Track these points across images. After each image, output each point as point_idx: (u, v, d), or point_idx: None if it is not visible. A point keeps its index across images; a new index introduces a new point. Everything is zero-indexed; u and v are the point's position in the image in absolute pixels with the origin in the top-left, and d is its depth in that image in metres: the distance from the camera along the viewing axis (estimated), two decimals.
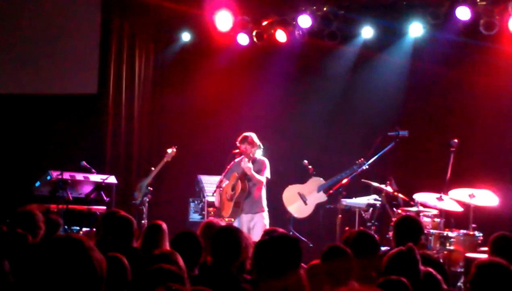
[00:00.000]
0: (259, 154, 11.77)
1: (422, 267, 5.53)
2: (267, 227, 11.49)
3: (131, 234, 7.35)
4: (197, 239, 6.43)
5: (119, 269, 5.32)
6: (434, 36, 13.57)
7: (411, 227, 7.35)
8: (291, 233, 11.42)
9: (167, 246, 7.41)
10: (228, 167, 11.96)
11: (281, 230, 5.92)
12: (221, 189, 11.94)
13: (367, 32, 14.08)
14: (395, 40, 14.11)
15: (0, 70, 14.74)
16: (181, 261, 5.30)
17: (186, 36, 15.47)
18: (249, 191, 11.68)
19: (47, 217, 7.72)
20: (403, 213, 10.74)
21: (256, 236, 10.41)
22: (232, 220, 11.68)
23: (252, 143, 11.68)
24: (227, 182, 11.87)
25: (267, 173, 11.70)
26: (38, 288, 2.63)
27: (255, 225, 11.54)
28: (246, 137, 11.74)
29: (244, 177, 11.65)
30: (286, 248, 5.02)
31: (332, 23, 14.02)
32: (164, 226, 7.70)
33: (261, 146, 11.70)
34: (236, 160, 11.92)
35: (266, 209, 11.66)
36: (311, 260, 6.75)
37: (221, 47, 14.95)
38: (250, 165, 11.60)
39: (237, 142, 11.79)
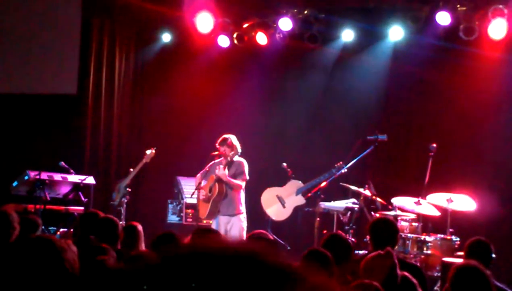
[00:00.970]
0: (237, 157, 11.74)
1: (399, 272, 5.54)
2: (245, 229, 11.50)
3: (117, 236, 7.33)
4: (177, 240, 6.43)
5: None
6: (414, 40, 13.63)
7: (386, 229, 7.36)
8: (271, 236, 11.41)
9: (142, 247, 7.41)
10: (206, 167, 11.94)
11: (266, 233, 5.92)
12: (199, 191, 11.93)
13: (347, 35, 14.12)
14: (375, 44, 14.16)
15: None
16: None
17: (166, 37, 15.43)
18: (226, 193, 11.66)
19: (25, 217, 7.68)
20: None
21: (233, 238, 10.40)
22: (210, 221, 11.67)
23: (231, 146, 11.66)
24: (205, 183, 11.86)
25: (246, 175, 11.69)
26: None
27: (232, 227, 11.53)
28: (225, 140, 11.73)
29: (221, 180, 11.64)
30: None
31: (313, 26, 14.06)
32: (140, 227, 7.69)
33: (239, 148, 11.68)
34: (216, 161, 11.91)
35: (244, 211, 11.65)
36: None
37: (202, 49, 14.94)
38: (225, 171, 11.59)
39: (217, 144, 11.78)
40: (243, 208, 11.65)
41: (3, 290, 2.61)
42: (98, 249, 6.08)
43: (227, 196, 11.64)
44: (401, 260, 6.82)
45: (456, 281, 5.26)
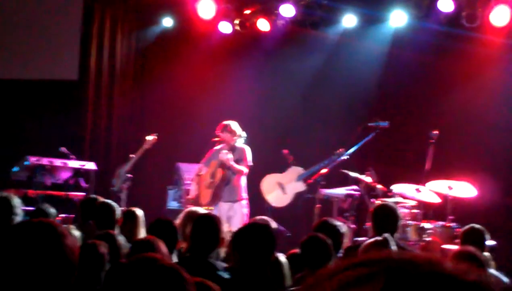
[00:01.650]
0: (240, 142, 11.77)
1: None
2: (247, 215, 11.52)
3: (114, 221, 7.34)
4: (173, 226, 6.45)
5: (96, 256, 5.32)
6: (415, 26, 13.60)
7: (388, 215, 7.37)
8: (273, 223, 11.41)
9: (143, 233, 7.42)
10: (207, 154, 11.95)
11: (268, 220, 5.91)
12: (199, 177, 11.94)
13: (349, 20, 14.09)
14: (376, 29, 14.13)
15: None
16: (163, 248, 5.28)
17: (168, 22, 15.41)
18: (229, 179, 11.67)
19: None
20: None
21: (235, 224, 10.41)
22: (211, 208, 11.67)
23: (232, 132, 11.67)
24: (206, 169, 11.86)
25: (249, 161, 11.70)
26: (7, 273, 2.60)
27: (234, 213, 11.53)
28: (226, 126, 11.73)
29: (224, 165, 11.64)
30: (257, 234, 5.04)
31: (315, 12, 14.04)
32: (140, 212, 7.70)
33: (242, 135, 11.70)
34: (216, 147, 11.91)
35: (245, 197, 11.66)
36: (289, 249, 6.77)
37: (204, 35, 14.92)
38: (229, 155, 11.60)
39: (217, 131, 11.79)
40: (245, 194, 11.66)
41: (1, 273, 2.60)
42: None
43: (230, 182, 11.65)
44: (401, 247, 6.84)
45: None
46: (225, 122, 11.79)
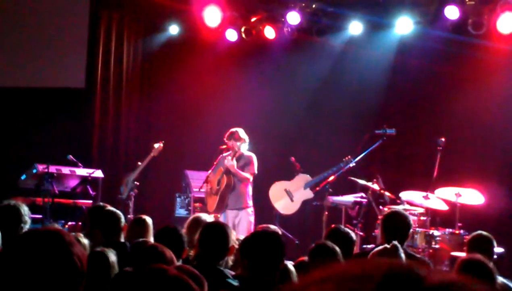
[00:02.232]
0: (245, 148, 11.77)
1: None
2: (253, 223, 11.52)
3: (119, 229, 7.34)
4: (179, 234, 6.44)
5: (103, 264, 5.32)
6: (422, 33, 13.60)
7: (399, 223, 7.34)
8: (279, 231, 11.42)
9: (151, 240, 7.41)
10: (215, 162, 11.97)
11: (275, 227, 5.91)
12: (207, 184, 11.95)
13: (355, 28, 14.09)
14: (382, 37, 14.13)
15: None
16: (168, 253, 5.28)
17: (174, 30, 15.43)
18: (234, 186, 11.68)
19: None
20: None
21: (241, 232, 10.41)
22: (218, 215, 11.67)
23: (239, 139, 11.69)
24: (213, 176, 11.88)
25: (254, 169, 11.70)
26: (15, 283, 2.60)
27: (240, 221, 11.54)
28: (233, 133, 11.76)
29: (230, 171, 11.65)
30: (266, 242, 5.04)
31: (321, 19, 14.04)
32: (149, 220, 7.70)
33: (246, 140, 11.71)
34: (224, 154, 11.93)
35: (251, 205, 11.66)
36: (297, 257, 6.76)
37: (210, 42, 14.94)
38: (233, 162, 11.63)
39: (225, 139, 11.81)
40: (250, 202, 11.67)
41: (9, 282, 2.59)
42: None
43: (235, 188, 11.66)
44: (410, 254, 6.82)
45: (460, 274, 5.26)
46: (232, 129, 11.81)
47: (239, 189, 11.67)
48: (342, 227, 7.64)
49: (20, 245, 2.65)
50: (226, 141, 11.81)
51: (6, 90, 14.69)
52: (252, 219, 11.60)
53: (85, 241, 6.37)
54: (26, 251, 2.60)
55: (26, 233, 2.82)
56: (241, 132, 11.76)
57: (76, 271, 2.62)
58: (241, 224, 11.47)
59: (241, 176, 11.63)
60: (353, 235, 7.30)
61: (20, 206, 6.89)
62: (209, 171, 12.00)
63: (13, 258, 2.61)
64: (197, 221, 7.48)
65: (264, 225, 8.56)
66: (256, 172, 11.71)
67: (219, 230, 5.97)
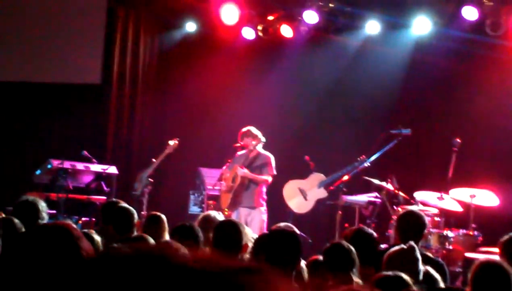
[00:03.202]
0: (260, 147, 11.79)
1: (422, 267, 5.51)
2: (265, 222, 11.53)
3: (131, 225, 7.34)
4: (195, 231, 6.43)
5: None
6: (439, 33, 13.54)
7: (414, 222, 7.30)
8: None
9: (166, 237, 7.41)
10: (230, 159, 11.99)
11: (291, 226, 5.89)
12: (222, 181, 11.97)
13: (372, 27, 14.05)
14: (399, 36, 14.08)
15: (4, 58, 14.72)
16: (183, 251, 5.26)
17: (191, 27, 15.43)
18: (248, 185, 11.69)
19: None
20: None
21: (253, 230, 10.40)
22: (230, 212, 11.68)
23: (252, 136, 11.71)
24: (229, 173, 11.90)
25: (273, 170, 11.74)
26: (23, 276, 2.60)
27: (253, 219, 11.55)
28: (245, 132, 11.79)
29: (246, 179, 11.70)
30: (284, 242, 5.02)
31: (338, 18, 14.02)
32: (163, 217, 7.70)
33: (262, 139, 11.73)
34: (239, 153, 11.94)
35: (264, 204, 11.68)
36: (310, 256, 6.75)
37: (226, 40, 14.93)
38: (245, 170, 11.70)
39: (239, 137, 11.84)
40: (263, 201, 11.68)
41: (17, 277, 2.60)
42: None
43: (249, 187, 11.68)
44: (424, 255, 6.78)
45: (477, 277, 5.24)
46: (244, 129, 11.84)
47: (253, 188, 11.69)
48: (366, 228, 7.61)
49: (29, 239, 2.65)
50: (240, 141, 11.84)
51: (22, 85, 14.74)
52: (264, 217, 11.61)
53: (98, 238, 6.37)
54: (35, 245, 2.61)
55: (35, 227, 2.83)
56: (254, 130, 11.78)
57: (84, 264, 2.61)
58: (253, 222, 11.48)
59: (259, 180, 11.70)
60: (375, 235, 7.28)
61: (38, 201, 6.92)
62: (223, 168, 12.01)
63: (22, 252, 2.62)
64: (207, 219, 7.48)
65: (282, 224, 8.54)
66: (275, 173, 11.75)
67: (233, 228, 5.96)
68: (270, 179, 11.73)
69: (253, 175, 11.69)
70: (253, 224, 11.36)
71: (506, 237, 7.46)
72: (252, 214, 11.64)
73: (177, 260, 1.29)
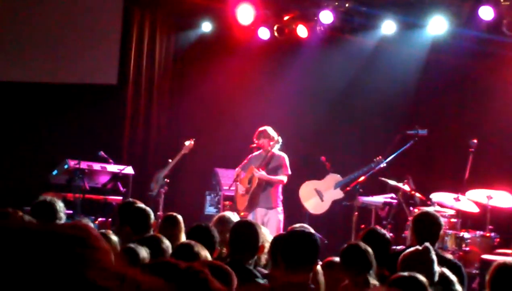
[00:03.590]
0: (277, 148, 11.79)
1: (437, 268, 5.49)
2: (282, 222, 11.53)
3: (148, 225, 7.35)
4: (211, 232, 6.43)
5: (133, 260, 5.33)
6: (455, 33, 13.49)
7: (430, 223, 7.27)
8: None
9: (183, 238, 7.42)
10: (246, 160, 12.00)
11: (308, 227, 5.88)
12: (237, 182, 11.98)
13: (388, 27, 14.01)
14: (415, 36, 14.03)
15: (21, 59, 14.77)
16: (204, 253, 5.25)
17: (207, 27, 15.44)
18: (265, 186, 11.70)
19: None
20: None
21: (270, 231, 10.40)
22: (247, 213, 11.69)
23: (268, 137, 11.73)
24: (244, 174, 11.91)
25: (288, 170, 11.74)
26: (40, 278, 2.61)
27: (269, 220, 11.55)
28: (261, 132, 11.80)
29: (262, 181, 11.72)
30: (303, 242, 5.01)
31: (354, 19, 14.01)
32: (180, 217, 7.71)
33: (280, 140, 11.74)
34: (254, 153, 11.94)
35: (281, 205, 11.69)
36: (326, 257, 6.74)
37: (242, 40, 14.94)
38: (262, 172, 11.72)
39: (254, 139, 11.84)
40: (280, 202, 11.68)
41: (33, 276, 2.60)
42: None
43: (266, 188, 11.69)
44: (442, 257, 6.76)
45: (495, 279, 5.21)
46: (261, 128, 11.84)
47: (269, 189, 11.71)
48: (379, 228, 7.60)
49: (45, 239, 2.65)
50: (255, 141, 11.84)
51: (38, 86, 14.78)
52: (281, 217, 11.62)
53: (115, 238, 6.39)
54: (52, 245, 2.61)
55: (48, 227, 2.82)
56: (270, 130, 11.79)
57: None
58: (270, 222, 11.48)
59: (275, 181, 11.73)
60: (388, 236, 7.27)
61: (56, 202, 6.93)
62: (237, 169, 12.01)
63: (37, 252, 2.62)
64: (223, 219, 7.48)
65: (297, 224, 8.54)
66: (290, 172, 11.75)
67: (249, 229, 5.96)
68: (285, 179, 11.74)
69: (269, 177, 11.71)
70: (270, 224, 11.36)
71: None
72: (268, 214, 11.65)
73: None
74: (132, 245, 5.57)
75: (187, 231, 6.69)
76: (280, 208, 11.68)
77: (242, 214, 11.59)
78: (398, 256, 5.82)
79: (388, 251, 7.00)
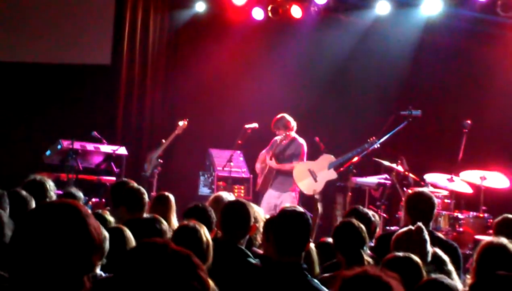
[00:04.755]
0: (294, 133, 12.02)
1: (430, 248, 5.50)
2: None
3: (142, 205, 7.33)
4: (208, 212, 6.42)
5: (120, 240, 5.32)
6: (450, 12, 13.46)
7: (423, 203, 7.27)
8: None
9: (174, 217, 7.41)
10: (270, 143, 12.20)
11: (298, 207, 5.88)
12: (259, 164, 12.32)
13: (382, 7, 13.98)
14: (409, 16, 14.00)
15: (13, 39, 14.71)
16: (206, 234, 5.21)
17: (201, 7, 15.36)
18: (277, 172, 12.01)
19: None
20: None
21: None
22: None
23: (287, 126, 11.92)
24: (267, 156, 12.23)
25: (302, 159, 12.06)
26: (32, 254, 2.60)
27: (282, 202, 11.61)
28: (279, 120, 11.99)
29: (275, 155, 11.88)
30: (294, 222, 5.00)
31: None
32: (171, 197, 7.69)
33: (295, 127, 11.93)
34: (276, 137, 12.10)
35: (295, 188, 11.88)
36: (320, 237, 6.75)
37: (236, 20, 14.90)
38: (272, 162, 12.03)
39: (272, 125, 11.99)
40: (294, 185, 11.90)
41: (27, 254, 2.60)
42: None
43: (278, 174, 11.94)
44: (438, 238, 6.78)
45: (482, 258, 5.25)
46: (278, 115, 12.01)
47: (283, 174, 12.03)
48: (362, 207, 7.61)
49: (37, 217, 2.65)
50: (273, 129, 12.00)
51: (31, 66, 14.74)
52: (295, 201, 11.73)
53: (111, 218, 6.39)
54: (42, 222, 2.61)
55: (42, 205, 2.82)
56: (287, 117, 11.99)
57: (92, 242, 2.62)
58: (283, 204, 11.54)
59: (285, 170, 12.01)
60: (372, 216, 7.28)
61: (46, 181, 6.94)
62: (263, 151, 12.33)
63: (30, 229, 2.61)
64: (218, 200, 7.47)
65: (287, 204, 8.57)
66: (305, 161, 11.94)
67: (240, 209, 5.95)
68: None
69: (278, 166, 12.04)
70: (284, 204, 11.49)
71: (499, 218, 7.54)
72: (281, 197, 11.90)
73: None
74: (115, 225, 5.58)
75: (184, 211, 6.67)
76: (294, 193, 11.91)
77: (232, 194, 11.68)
78: (390, 236, 5.83)
79: (372, 231, 7.03)
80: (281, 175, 12.01)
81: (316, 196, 9.44)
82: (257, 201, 11.67)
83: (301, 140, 12.06)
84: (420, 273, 4.74)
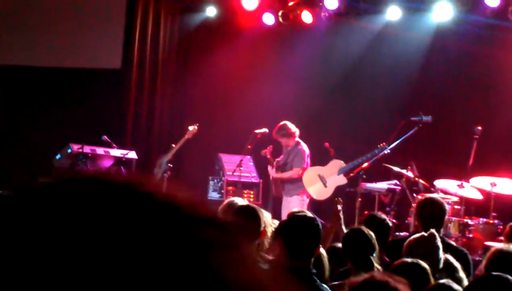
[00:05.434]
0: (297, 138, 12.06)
1: (442, 255, 5.48)
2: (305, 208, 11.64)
3: None
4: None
5: None
6: (460, 19, 13.45)
7: (434, 210, 7.25)
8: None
9: None
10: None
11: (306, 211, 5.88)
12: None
13: (393, 13, 13.97)
14: (420, 22, 14.00)
15: (25, 43, 14.74)
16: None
17: (211, 11, 15.37)
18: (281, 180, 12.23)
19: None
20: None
21: None
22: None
23: (290, 134, 11.98)
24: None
25: (303, 164, 12.09)
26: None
27: (289, 204, 11.67)
28: (281, 127, 12.01)
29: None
30: (304, 227, 4.99)
31: (359, 4, 13.96)
32: None
33: (297, 133, 11.94)
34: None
35: (303, 193, 11.92)
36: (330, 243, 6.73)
37: (246, 25, 14.90)
38: (272, 172, 12.22)
39: (274, 133, 12.00)
40: (300, 190, 12.06)
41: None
42: None
43: (283, 181, 12.21)
44: (449, 244, 6.77)
45: (491, 265, 5.23)
46: (281, 123, 12.05)
47: (289, 181, 12.17)
48: (379, 213, 7.60)
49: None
50: (276, 137, 12.02)
51: (43, 70, 14.77)
52: (305, 204, 11.79)
53: None
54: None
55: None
56: (290, 125, 11.98)
57: None
58: (290, 206, 11.57)
59: (286, 178, 12.13)
60: (389, 221, 7.27)
61: None
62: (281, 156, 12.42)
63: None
64: (231, 205, 7.47)
65: (295, 209, 8.57)
66: (305, 166, 11.97)
67: (251, 214, 5.94)
68: (297, 172, 11.97)
69: (279, 175, 12.17)
70: (291, 209, 11.51)
71: (510, 224, 7.51)
72: (290, 200, 12.00)
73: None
74: None
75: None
76: (300, 196, 12.03)
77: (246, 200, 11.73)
78: (400, 242, 5.82)
79: (388, 236, 7.01)
80: (286, 183, 12.16)
81: (339, 207, 9.46)
82: (266, 206, 11.66)
83: (302, 145, 12.11)
84: (428, 279, 4.73)
